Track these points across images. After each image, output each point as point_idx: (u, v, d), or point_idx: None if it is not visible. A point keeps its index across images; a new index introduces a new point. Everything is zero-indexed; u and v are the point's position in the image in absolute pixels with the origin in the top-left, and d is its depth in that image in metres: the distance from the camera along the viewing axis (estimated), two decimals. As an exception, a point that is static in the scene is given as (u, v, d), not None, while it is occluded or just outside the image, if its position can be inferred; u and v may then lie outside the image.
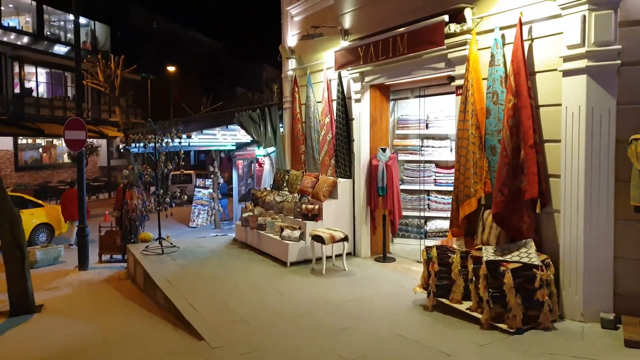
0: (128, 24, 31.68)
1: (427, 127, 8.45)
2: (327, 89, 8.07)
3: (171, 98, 30.94)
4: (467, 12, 5.52)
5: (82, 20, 23.47)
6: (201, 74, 37.78)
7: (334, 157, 7.97)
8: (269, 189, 9.24)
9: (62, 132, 8.84)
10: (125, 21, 31.43)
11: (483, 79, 5.39)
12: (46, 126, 21.49)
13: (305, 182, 8.00)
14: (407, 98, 8.04)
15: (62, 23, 26.06)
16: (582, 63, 4.44)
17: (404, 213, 8.01)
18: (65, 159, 24.86)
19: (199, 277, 6.89)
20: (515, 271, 4.56)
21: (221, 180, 16.88)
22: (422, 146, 8.43)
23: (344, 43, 7.58)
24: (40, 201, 13.34)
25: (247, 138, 13.66)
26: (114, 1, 28.94)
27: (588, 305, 4.62)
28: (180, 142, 8.38)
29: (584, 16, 4.39)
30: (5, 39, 22.11)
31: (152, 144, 8.12)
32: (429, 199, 8.47)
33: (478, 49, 5.42)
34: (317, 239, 6.89)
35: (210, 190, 16.65)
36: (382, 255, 7.51)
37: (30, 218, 11.78)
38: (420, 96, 7.63)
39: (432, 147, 8.40)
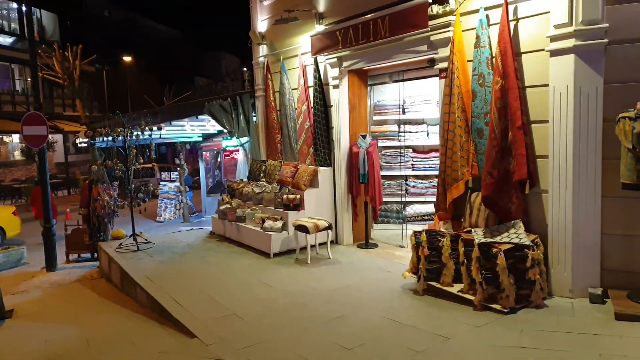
0: (78, 12, 30.25)
1: (403, 112, 8.44)
2: (303, 75, 7.91)
3: (128, 89, 29.87)
4: (450, -6, 5.48)
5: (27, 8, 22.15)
6: (159, 64, 36.58)
7: (312, 146, 7.85)
8: (245, 180, 9.02)
9: (14, 127, 8.34)
10: (75, 9, 29.99)
11: (468, 60, 5.37)
12: (-6, 122, 20.30)
13: (284, 172, 7.85)
14: (384, 83, 8.00)
15: (4, 12, 24.53)
16: (570, 42, 4.48)
17: (384, 199, 8.00)
18: (17, 156, 23.62)
19: (181, 273, 6.66)
20: (508, 252, 4.61)
21: (186, 173, 16.49)
22: (400, 131, 8.43)
23: (320, 27, 7.43)
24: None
25: (215, 129, 13.36)
26: (62, -12, 27.52)
27: (576, 282, 4.73)
28: (150, 135, 8.03)
29: (571, -5, 4.42)
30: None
31: (121, 137, 7.74)
32: (407, 184, 8.49)
33: (462, 31, 5.39)
34: (301, 228, 6.78)
35: (177, 184, 16.21)
36: (365, 241, 7.49)
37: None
38: (399, 80, 7.59)
39: (409, 132, 8.41)
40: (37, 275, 8.74)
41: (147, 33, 37.52)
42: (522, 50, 4.96)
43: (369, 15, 6.26)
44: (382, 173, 8.22)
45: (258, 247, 7.47)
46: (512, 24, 4.96)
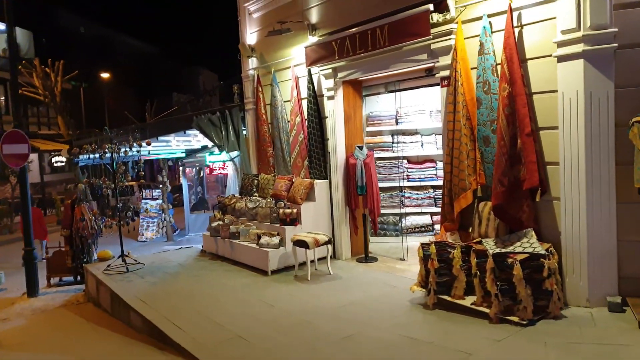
0: (53, 29, 29.64)
1: (397, 122, 8.34)
2: (296, 87, 7.75)
3: (106, 106, 29.28)
4: (450, 1, 5.41)
5: (0, 25, 21.54)
6: (136, 80, 36.08)
7: (307, 158, 7.66)
8: (237, 195, 8.76)
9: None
10: (50, 26, 29.38)
11: (472, 68, 5.29)
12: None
13: (278, 186, 7.63)
14: (379, 93, 7.89)
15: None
16: (579, 47, 4.43)
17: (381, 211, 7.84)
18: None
19: (175, 294, 6.34)
20: (523, 262, 4.48)
21: (168, 190, 16.09)
22: (394, 142, 8.32)
23: (313, 38, 7.30)
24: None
25: (201, 144, 13.08)
26: (36, 5, 26.95)
27: (593, 291, 4.62)
28: (139, 151, 7.73)
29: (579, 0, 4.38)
30: None
31: (108, 154, 7.42)
32: (402, 195, 8.36)
33: (464, 38, 5.32)
34: (300, 244, 6.55)
35: (159, 201, 15.77)
36: (364, 255, 7.30)
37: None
38: (394, 90, 7.49)
39: (404, 142, 8.30)
40: (17, 301, 8.26)
41: (124, 49, 37.04)
42: (527, 56, 4.90)
43: (367, 25, 6.15)
44: (379, 185, 8.07)
45: (254, 264, 7.20)
46: (516, 31, 4.90)
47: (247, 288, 6.41)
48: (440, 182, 8.16)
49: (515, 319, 4.50)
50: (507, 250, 4.73)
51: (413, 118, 8.27)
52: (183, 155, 14.93)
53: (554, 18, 4.65)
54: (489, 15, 5.12)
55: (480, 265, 4.74)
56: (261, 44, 8.63)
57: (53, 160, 25.78)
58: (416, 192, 8.33)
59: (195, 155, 15.27)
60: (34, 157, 23.17)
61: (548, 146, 4.83)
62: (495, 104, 5.03)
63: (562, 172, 4.70)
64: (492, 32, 5.08)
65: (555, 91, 4.70)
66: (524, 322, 4.43)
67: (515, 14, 4.90)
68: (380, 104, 8.34)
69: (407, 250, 7.28)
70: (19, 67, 10.94)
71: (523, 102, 4.77)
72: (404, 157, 8.29)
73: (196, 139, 11.93)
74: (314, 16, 7.37)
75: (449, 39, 5.48)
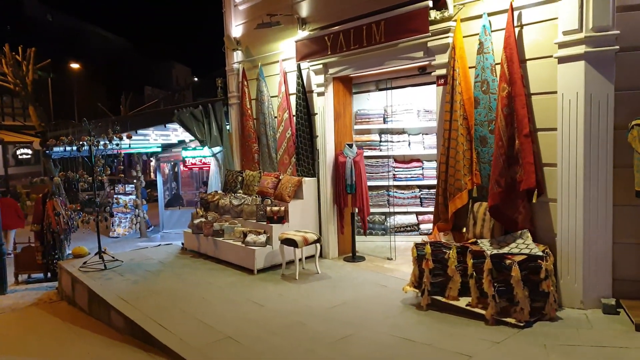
0: (19, 17, 28.43)
1: (385, 121, 8.28)
2: (284, 82, 7.58)
3: (75, 98, 28.32)
4: (449, -1, 5.36)
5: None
6: (106, 73, 35.01)
7: (294, 155, 7.51)
8: (220, 192, 8.52)
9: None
10: (15, 13, 28.16)
11: (470, 67, 5.25)
12: None
13: (264, 183, 7.45)
14: (369, 91, 7.81)
15: None
16: (580, 49, 4.43)
17: (367, 210, 7.75)
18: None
19: (159, 293, 6.09)
20: (521, 263, 4.46)
21: (143, 185, 15.65)
22: (381, 141, 8.26)
23: (303, 33, 7.14)
24: None
25: (178, 138, 12.74)
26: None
27: (587, 292, 4.64)
28: (117, 144, 7.41)
29: (582, 1, 4.37)
30: None
31: (86, 147, 7.08)
32: (388, 194, 8.31)
33: (463, 37, 5.27)
34: (289, 242, 6.40)
35: (133, 197, 15.31)
36: (352, 254, 7.20)
37: None
38: (386, 88, 7.41)
39: (391, 141, 8.26)
40: (-16, 299, 7.83)
41: (94, 40, 35.88)
42: (526, 57, 4.88)
43: (362, 20, 6.04)
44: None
45: (239, 263, 7.01)
46: (516, 30, 4.88)
47: (234, 287, 6.22)
48: (426, 182, 8.19)
49: (512, 320, 4.48)
50: (504, 251, 4.70)
51: (401, 117, 8.23)
52: (159, 150, 14.53)
53: (555, 19, 4.64)
54: (489, 14, 5.08)
55: (477, 266, 4.70)
56: (247, 37, 8.42)
57: (18, 152, 24.76)
58: (402, 191, 8.29)
59: (171, 150, 14.90)
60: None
61: (545, 147, 4.83)
62: (494, 104, 5.00)
63: (559, 174, 4.70)
64: (491, 31, 5.04)
65: (554, 92, 4.69)
66: (521, 324, 4.41)
67: (515, 14, 4.87)
68: (368, 102, 8.26)
69: (395, 250, 7.22)
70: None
71: (522, 102, 4.75)
72: (390, 156, 8.24)
73: (175, 133, 11.59)
74: (304, 10, 7.21)
75: (447, 36, 5.42)
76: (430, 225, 8.06)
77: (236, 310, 5.37)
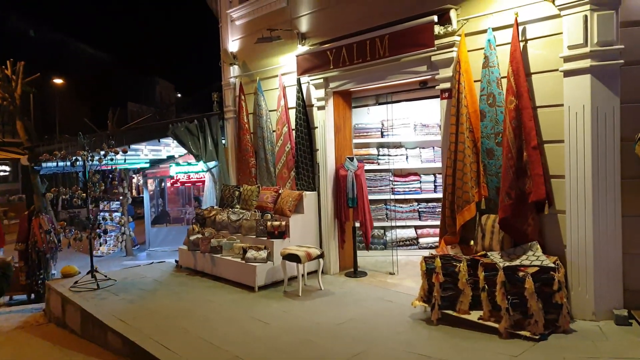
0: (0, 32, 28.01)
1: (382, 135, 8.29)
2: (284, 96, 7.55)
3: (57, 113, 27.86)
4: (452, 14, 5.41)
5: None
6: (89, 88, 34.57)
7: (294, 169, 7.44)
8: (216, 207, 8.37)
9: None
10: (-2, 27, 27.77)
11: (475, 81, 5.28)
12: None
13: (264, 197, 7.35)
14: (367, 105, 7.82)
15: None
16: (586, 63, 4.49)
17: (366, 224, 7.70)
18: None
19: (157, 312, 5.90)
20: (534, 275, 4.44)
21: (129, 201, 15.36)
22: (379, 155, 8.25)
23: (303, 47, 7.14)
24: None
25: (170, 153, 12.58)
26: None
27: (599, 304, 4.63)
28: (112, 159, 7.24)
29: (586, 16, 4.45)
30: None
31: (80, 162, 6.89)
32: (386, 208, 8.28)
33: (467, 51, 5.32)
34: (291, 258, 6.29)
35: (118, 214, 14.99)
36: (353, 270, 7.12)
37: None
38: (385, 102, 7.42)
39: (389, 155, 8.26)
40: (-33, 322, 7.49)
41: (77, 56, 35.48)
42: (532, 70, 4.93)
43: (365, 35, 6.05)
44: (365, 198, 7.95)
45: (238, 280, 6.85)
46: (521, 45, 4.94)
47: (235, 305, 6.07)
48: (424, 196, 8.19)
49: (526, 333, 4.43)
50: (515, 263, 4.68)
51: (398, 131, 8.25)
52: (147, 165, 14.30)
53: (560, 33, 4.71)
54: (493, 29, 5.13)
55: (489, 279, 4.66)
56: (244, 52, 8.38)
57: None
58: (401, 205, 8.27)
59: (158, 166, 14.67)
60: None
61: (552, 159, 4.86)
62: (501, 117, 5.03)
63: (567, 185, 4.72)
64: (496, 46, 5.10)
65: (560, 105, 4.74)
66: (536, 337, 4.36)
67: (520, 28, 4.94)
68: (366, 116, 8.26)
69: (396, 265, 7.16)
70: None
71: (529, 115, 4.78)
72: (389, 170, 8.23)
73: (167, 148, 11.42)
74: (304, 25, 7.22)
75: (451, 51, 5.46)
76: (429, 239, 8.09)
77: (241, 329, 5.23)
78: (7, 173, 26.35)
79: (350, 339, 4.78)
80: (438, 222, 7.99)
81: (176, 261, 8.36)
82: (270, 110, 7.92)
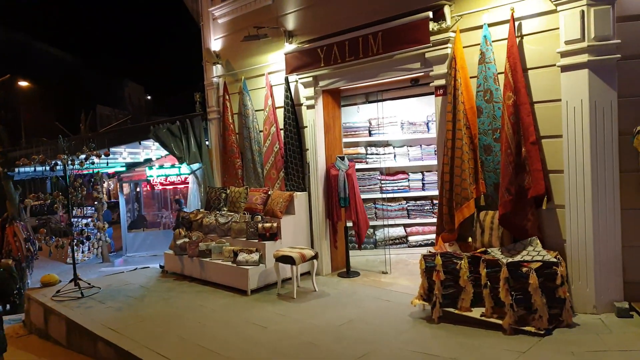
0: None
1: (370, 134, 8.24)
2: (271, 96, 7.40)
3: (21, 118, 26.87)
4: (446, 10, 5.39)
5: None
6: (55, 91, 33.45)
7: (283, 170, 7.30)
8: (203, 210, 8.15)
9: None
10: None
11: (471, 77, 5.27)
12: None
13: (253, 199, 7.18)
14: (356, 104, 7.74)
15: None
16: (584, 58, 4.52)
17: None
18: None
19: (148, 319, 5.68)
20: (537, 270, 4.44)
21: (105, 207, 14.87)
22: (367, 154, 8.20)
23: (290, 46, 7.01)
24: None
25: (148, 156, 12.24)
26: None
27: (600, 297, 4.67)
28: (93, 163, 6.96)
29: (583, 11, 4.48)
30: None
31: (60, 166, 6.59)
32: (375, 207, 8.23)
33: (463, 47, 5.30)
34: (285, 259, 6.16)
35: (94, 220, 14.49)
36: (346, 270, 7.03)
37: None
38: (375, 101, 7.36)
39: (377, 154, 8.21)
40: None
41: (41, 57, 34.28)
42: (528, 66, 4.95)
43: (358, 32, 5.97)
44: (355, 197, 7.87)
45: (229, 284, 6.67)
46: (517, 40, 4.95)
47: (229, 309, 5.89)
48: (412, 194, 8.18)
49: (531, 329, 4.43)
50: (517, 259, 4.68)
51: (385, 129, 8.21)
52: (123, 169, 13.89)
53: (556, 29, 4.74)
54: (489, 25, 5.13)
55: (491, 276, 4.64)
56: (228, 51, 8.20)
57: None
58: (390, 204, 8.23)
59: (134, 170, 14.26)
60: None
61: (550, 154, 4.88)
62: (498, 113, 5.03)
63: (566, 180, 4.74)
64: (492, 42, 5.09)
65: (557, 100, 4.77)
66: (541, 332, 4.36)
67: (516, 24, 4.94)
68: (355, 115, 8.20)
69: (389, 264, 7.11)
70: None
71: (527, 110, 4.80)
72: (377, 169, 8.18)
73: (146, 150, 11.09)
74: (291, 23, 7.10)
75: (445, 47, 5.44)
76: (418, 237, 8.09)
77: (238, 334, 5.07)
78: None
79: (353, 341, 4.69)
80: (426, 220, 8.06)
81: (161, 266, 8.11)
82: (256, 110, 7.76)
